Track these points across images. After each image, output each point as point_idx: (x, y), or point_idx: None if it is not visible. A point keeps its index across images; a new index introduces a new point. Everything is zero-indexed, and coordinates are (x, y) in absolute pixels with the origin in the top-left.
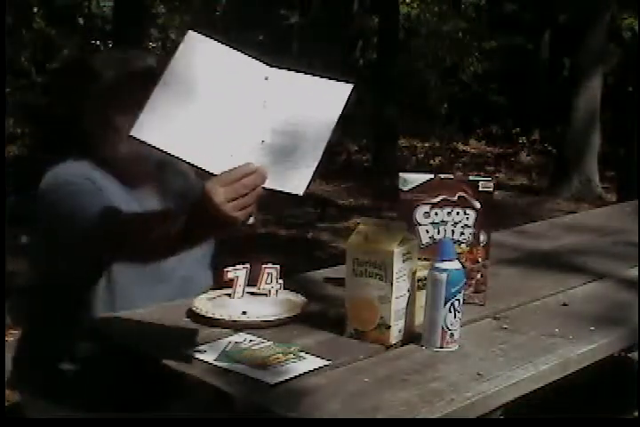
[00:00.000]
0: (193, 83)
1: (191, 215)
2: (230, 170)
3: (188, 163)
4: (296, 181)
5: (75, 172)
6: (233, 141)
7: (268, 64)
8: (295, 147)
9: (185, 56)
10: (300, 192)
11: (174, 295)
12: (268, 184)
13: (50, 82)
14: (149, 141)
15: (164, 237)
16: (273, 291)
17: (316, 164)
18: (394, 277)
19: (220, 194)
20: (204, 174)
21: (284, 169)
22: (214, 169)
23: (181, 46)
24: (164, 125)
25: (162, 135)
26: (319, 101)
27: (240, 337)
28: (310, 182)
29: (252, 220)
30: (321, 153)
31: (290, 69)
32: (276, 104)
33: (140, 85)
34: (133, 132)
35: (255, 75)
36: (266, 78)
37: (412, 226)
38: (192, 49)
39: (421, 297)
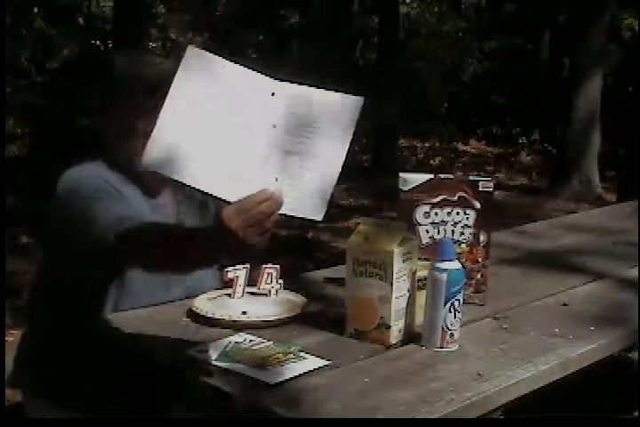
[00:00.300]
0: (198, 104)
1: (208, 240)
2: (246, 197)
3: (202, 191)
4: (314, 205)
5: (93, 173)
6: (244, 165)
7: (273, 77)
8: (310, 168)
9: (187, 75)
10: (320, 217)
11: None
12: (284, 210)
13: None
14: (160, 170)
15: (180, 251)
16: (273, 291)
17: (332, 185)
18: (394, 277)
19: (237, 222)
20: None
21: (300, 194)
22: (229, 196)
23: (182, 64)
24: (173, 152)
25: (172, 163)
26: (331, 118)
27: (240, 337)
28: (328, 205)
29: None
30: (337, 173)
31: (296, 82)
32: (286, 123)
33: (159, 89)
34: (143, 163)
35: (261, 91)
36: (272, 94)
37: (412, 226)
38: (194, 66)
39: (421, 297)
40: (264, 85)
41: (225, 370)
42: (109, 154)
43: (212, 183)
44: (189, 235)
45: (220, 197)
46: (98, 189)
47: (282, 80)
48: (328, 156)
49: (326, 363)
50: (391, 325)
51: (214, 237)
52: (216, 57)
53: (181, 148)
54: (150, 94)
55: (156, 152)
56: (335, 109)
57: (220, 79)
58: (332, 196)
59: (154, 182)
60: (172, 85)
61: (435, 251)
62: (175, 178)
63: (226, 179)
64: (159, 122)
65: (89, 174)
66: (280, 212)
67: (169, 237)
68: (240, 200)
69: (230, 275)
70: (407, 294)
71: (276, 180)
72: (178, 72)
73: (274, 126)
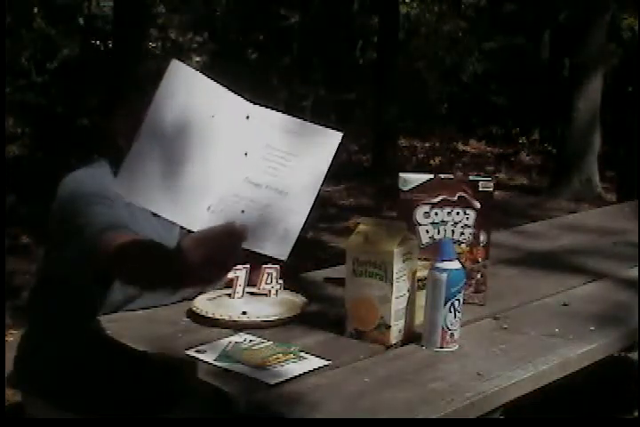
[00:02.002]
0: (174, 125)
1: (168, 265)
2: (209, 229)
3: (165, 218)
4: (279, 244)
5: (95, 178)
6: (212, 194)
7: (249, 100)
8: (279, 203)
9: (168, 90)
10: (284, 257)
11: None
12: (248, 245)
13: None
14: (127, 198)
15: (156, 270)
16: (273, 291)
17: (302, 223)
18: (394, 277)
19: (194, 254)
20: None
21: (265, 230)
22: (191, 226)
23: (165, 78)
24: (143, 178)
25: (140, 190)
26: (306, 152)
27: (240, 337)
28: (295, 245)
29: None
30: (308, 210)
31: (273, 108)
32: (258, 153)
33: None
34: (115, 189)
35: (236, 113)
36: (247, 117)
37: (412, 226)
38: (175, 82)
39: (421, 297)
40: (240, 108)
41: (225, 370)
42: (119, 154)
43: (175, 210)
44: (166, 255)
45: (182, 226)
46: (95, 194)
47: (259, 104)
48: (298, 193)
49: (326, 363)
50: (391, 325)
51: (173, 264)
52: (198, 73)
53: (150, 172)
54: None
55: (125, 178)
56: (312, 144)
57: (199, 99)
58: (300, 236)
59: None
60: (153, 102)
61: (435, 251)
62: (141, 206)
63: (189, 206)
64: (135, 145)
65: (91, 178)
66: (244, 247)
67: (147, 254)
68: (202, 231)
69: (230, 275)
70: (407, 294)
71: (242, 212)
72: (160, 87)
73: (245, 154)
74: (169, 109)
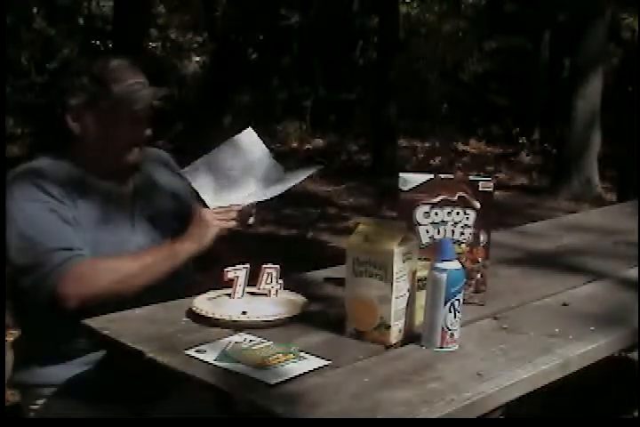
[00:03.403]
0: (228, 160)
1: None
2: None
3: (197, 194)
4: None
5: (45, 186)
6: (229, 192)
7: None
8: (263, 193)
9: (233, 146)
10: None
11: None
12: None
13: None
14: (189, 177)
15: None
16: (273, 291)
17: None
18: (394, 277)
19: (210, 214)
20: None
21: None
22: (211, 204)
23: (236, 139)
24: (204, 173)
25: (199, 176)
26: (282, 178)
27: (240, 337)
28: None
29: (252, 220)
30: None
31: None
32: (263, 179)
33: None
34: (187, 169)
35: (265, 163)
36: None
37: (412, 226)
38: (246, 140)
39: (421, 297)
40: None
41: (225, 370)
42: (76, 142)
43: (210, 194)
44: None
45: (205, 201)
46: (43, 200)
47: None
48: (273, 192)
49: (326, 363)
50: (391, 325)
51: (191, 229)
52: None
53: (208, 172)
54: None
55: (197, 167)
56: (284, 174)
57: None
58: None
59: (117, 174)
60: (221, 146)
61: (435, 251)
62: (193, 185)
63: (218, 194)
64: (205, 157)
65: (38, 182)
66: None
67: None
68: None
69: (230, 275)
70: (407, 294)
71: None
72: (236, 137)
73: (257, 179)
74: (226, 153)
